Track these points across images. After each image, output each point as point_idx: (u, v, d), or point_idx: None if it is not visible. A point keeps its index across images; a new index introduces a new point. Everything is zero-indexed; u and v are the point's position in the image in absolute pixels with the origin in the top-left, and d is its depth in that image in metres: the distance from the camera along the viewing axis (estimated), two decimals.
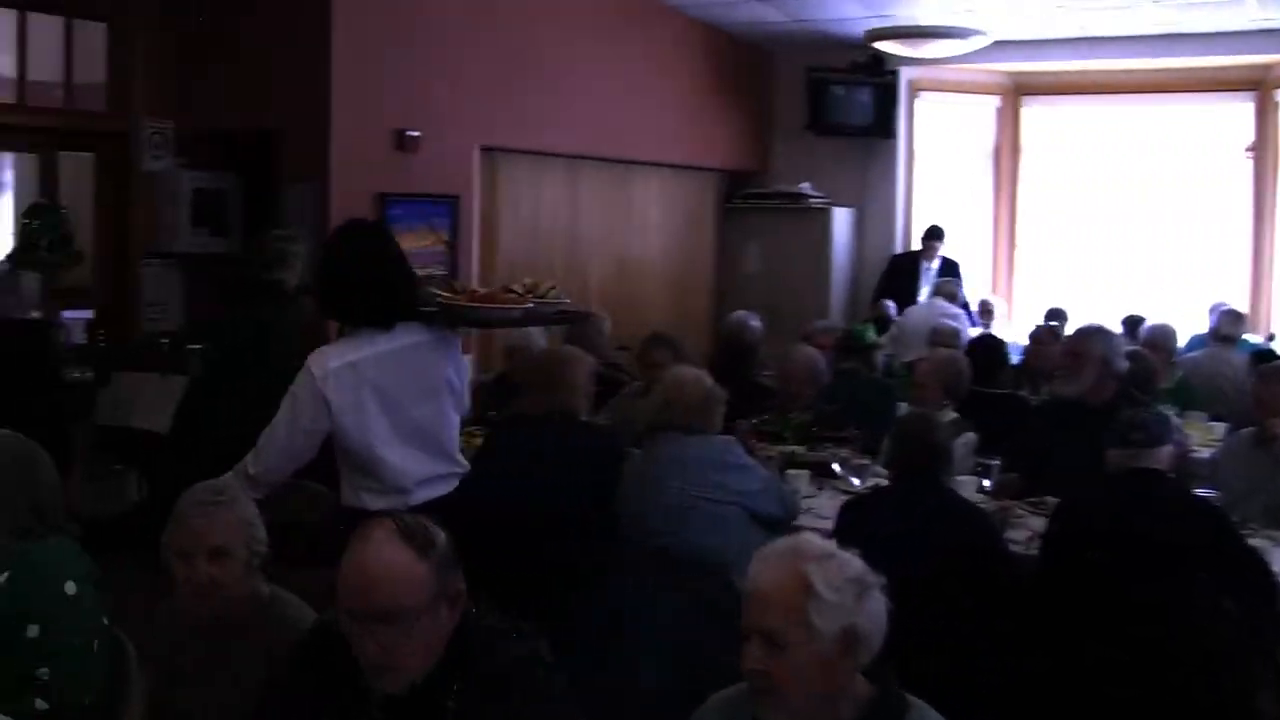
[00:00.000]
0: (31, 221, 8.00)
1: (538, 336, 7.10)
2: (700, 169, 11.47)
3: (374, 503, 4.33)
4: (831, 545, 2.61)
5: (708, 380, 4.91)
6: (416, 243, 8.45)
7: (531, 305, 4.70)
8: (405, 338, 4.39)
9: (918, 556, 4.12)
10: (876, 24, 10.53)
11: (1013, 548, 4.64)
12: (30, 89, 8.17)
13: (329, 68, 7.89)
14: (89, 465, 7.82)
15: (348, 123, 7.98)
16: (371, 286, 4.37)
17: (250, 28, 8.33)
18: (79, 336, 8.48)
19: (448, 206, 8.72)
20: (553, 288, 4.80)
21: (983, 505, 4.87)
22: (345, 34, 7.95)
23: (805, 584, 2.49)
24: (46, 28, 8.19)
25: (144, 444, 7.56)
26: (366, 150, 8.12)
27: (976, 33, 10.38)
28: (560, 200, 10.08)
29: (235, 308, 6.94)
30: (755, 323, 8.84)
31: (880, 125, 11.59)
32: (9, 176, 9.27)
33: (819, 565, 2.51)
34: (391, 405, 4.36)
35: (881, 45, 10.87)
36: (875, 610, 2.55)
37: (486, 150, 9.15)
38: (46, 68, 8.26)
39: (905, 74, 11.61)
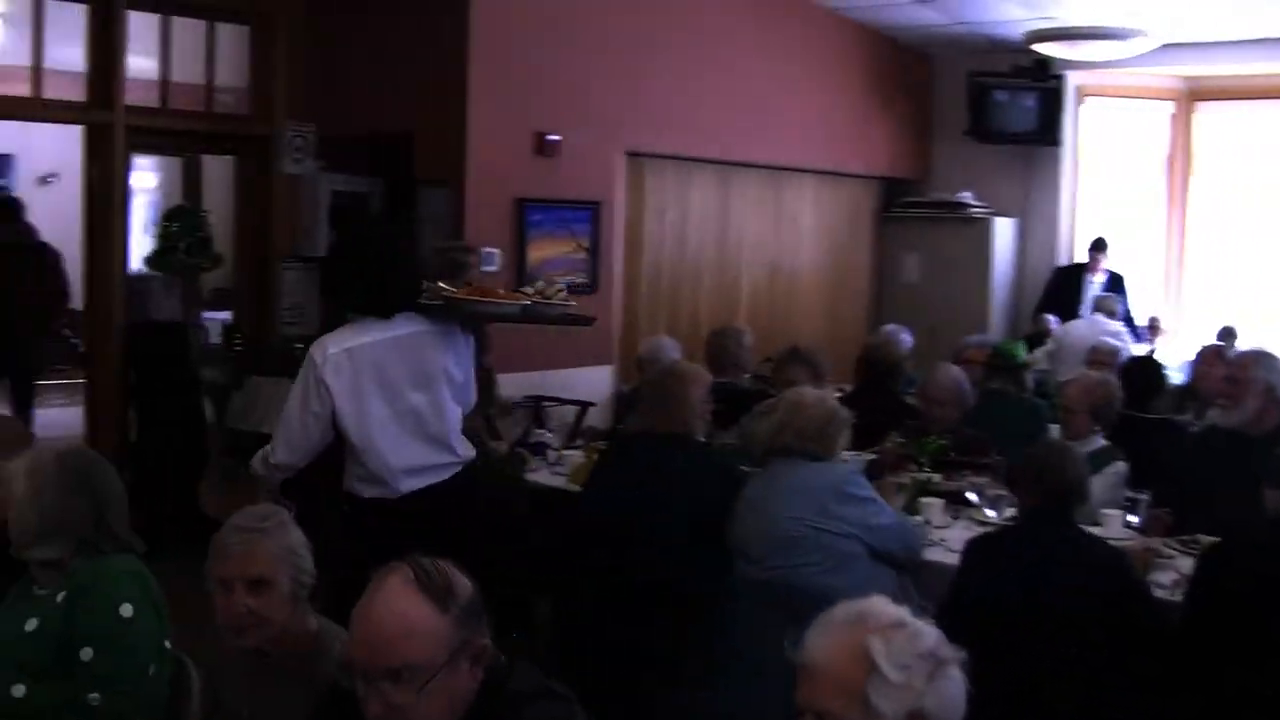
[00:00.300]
0: (171, 224, 8.03)
1: (669, 349, 6.83)
2: (857, 176, 11.08)
3: (364, 490, 4.49)
4: (904, 613, 2.26)
5: (830, 402, 4.57)
6: (556, 249, 8.27)
7: (529, 303, 4.63)
8: (405, 327, 4.47)
9: (1046, 599, 3.83)
10: (1038, 25, 10.04)
11: (1157, 591, 4.20)
12: (173, 91, 8.17)
13: (465, 69, 7.74)
14: (222, 469, 7.78)
15: (485, 126, 7.81)
16: (372, 276, 4.45)
17: (390, 29, 8.24)
18: (217, 339, 8.49)
19: (589, 213, 8.50)
20: (560, 290, 4.77)
21: (1125, 544, 4.44)
22: (483, 35, 7.80)
23: (866, 659, 2.16)
24: (189, 31, 8.18)
25: None
26: (504, 154, 7.95)
27: (1138, 34, 9.81)
28: (709, 207, 9.80)
29: None
30: (905, 336, 8.45)
31: (1044, 132, 11.05)
32: (155, 179, 9.34)
33: (884, 637, 2.18)
34: (388, 391, 4.44)
35: (1041, 47, 10.34)
36: (950, 693, 2.19)
37: (632, 155, 8.92)
38: (189, 70, 8.25)
39: (1071, 79, 11.06)
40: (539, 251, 8.16)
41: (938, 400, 5.89)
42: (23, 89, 7.62)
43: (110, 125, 7.69)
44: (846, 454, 4.92)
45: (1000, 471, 5.29)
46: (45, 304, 9.18)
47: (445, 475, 4.57)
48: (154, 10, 7.95)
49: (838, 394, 7.83)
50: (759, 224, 10.24)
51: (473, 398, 4.80)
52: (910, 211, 11.33)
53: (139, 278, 8.24)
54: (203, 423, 7.99)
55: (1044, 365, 8.99)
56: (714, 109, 9.30)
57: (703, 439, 4.92)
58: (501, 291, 4.89)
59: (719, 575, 4.42)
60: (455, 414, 4.64)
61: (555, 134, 8.16)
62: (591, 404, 8.16)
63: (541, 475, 6.13)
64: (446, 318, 4.54)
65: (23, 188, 15.00)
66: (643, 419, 4.97)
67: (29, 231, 9.43)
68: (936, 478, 5.31)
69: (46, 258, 9.18)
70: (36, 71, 7.56)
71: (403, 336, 4.45)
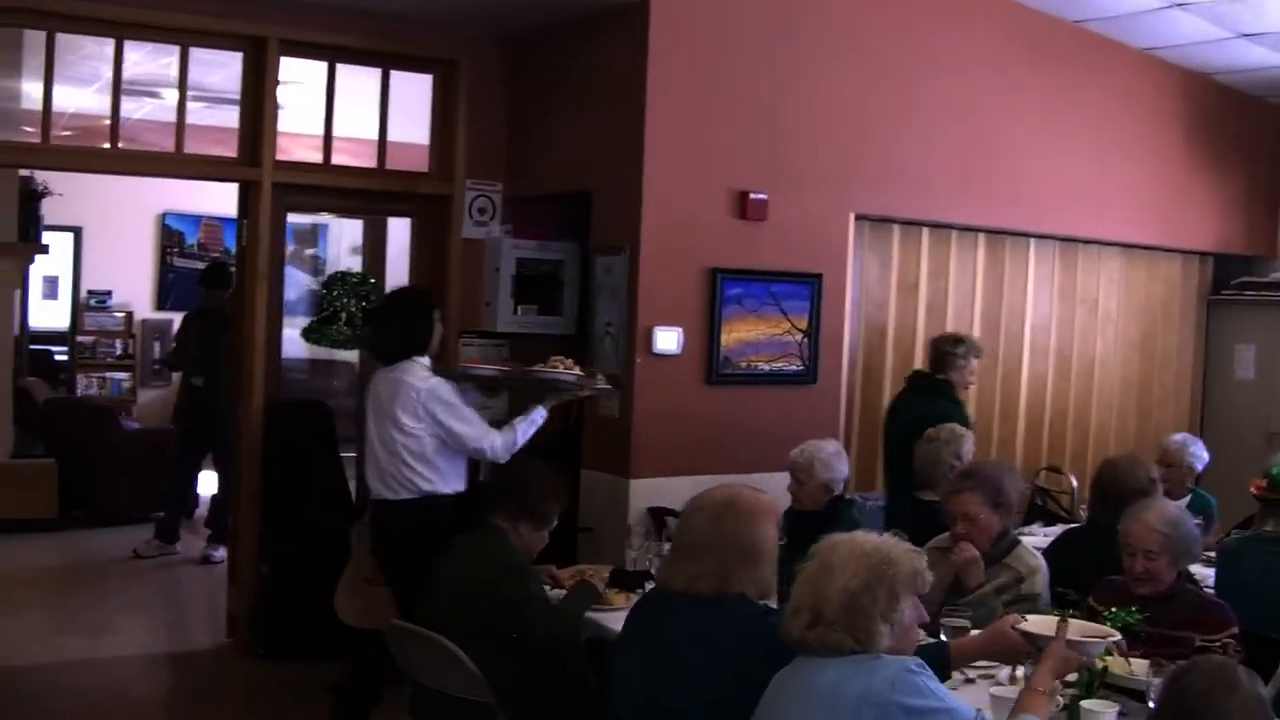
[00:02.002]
0: (331, 291, 7.14)
1: (828, 461, 5.42)
2: (1176, 251, 9.24)
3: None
4: None
5: (873, 559, 3.07)
6: (760, 329, 6.95)
7: (510, 369, 6.32)
8: (396, 373, 5.66)
9: None
10: None
11: None
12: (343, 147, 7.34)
13: (642, 115, 6.53)
14: (359, 570, 6.73)
15: (666, 181, 6.58)
16: (380, 330, 5.99)
17: (579, 72, 7.14)
18: None
19: (808, 287, 7.11)
20: (573, 365, 5.96)
21: None
22: (663, 75, 6.60)
23: None
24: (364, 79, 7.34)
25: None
26: (693, 215, 6.69)
27: None
28: (975, 284, 8.23)
29: None
30: (1198, 451, 6.71)
31: None
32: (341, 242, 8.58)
33: None
34: (373, 416, 5.73)
35: None
36: None
37: (865, 219, 7.50)
38: (364, 124, 7.40)
39: None
40: (737, 331, 6.83)
41: (1144, 549, 4.22)
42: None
43: (258, 183, 6.88)
44: None
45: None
46: None
47: (390, 497, 5.69)
48: (316, 58, 7.12)
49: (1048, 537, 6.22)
50: (1043, 305, 8.57)
51: (427, 450, 5.60)
52: (1246, 294, 9.38)
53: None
54: (347, 515, 7.03)
55: None
56: (980, 165, 7.76)
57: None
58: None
59: None
60: (402, 456, 5.60)
61: (761, 192, 6.84)
62: None
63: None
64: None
65: (335, 256, 14.95)
66: (692, 567, 3.57)
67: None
68: (1122, 663, 3.67)
69: None
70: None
71: (390, 378, 5.66)
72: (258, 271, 6.90)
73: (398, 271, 8.35)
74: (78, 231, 15.06)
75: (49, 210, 12.94)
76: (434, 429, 5.55)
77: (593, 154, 6.93)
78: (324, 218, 14.59)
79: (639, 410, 6.56)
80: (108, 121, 6.80)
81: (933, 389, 6.96)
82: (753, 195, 6.81)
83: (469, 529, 4.85)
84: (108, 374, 14.91)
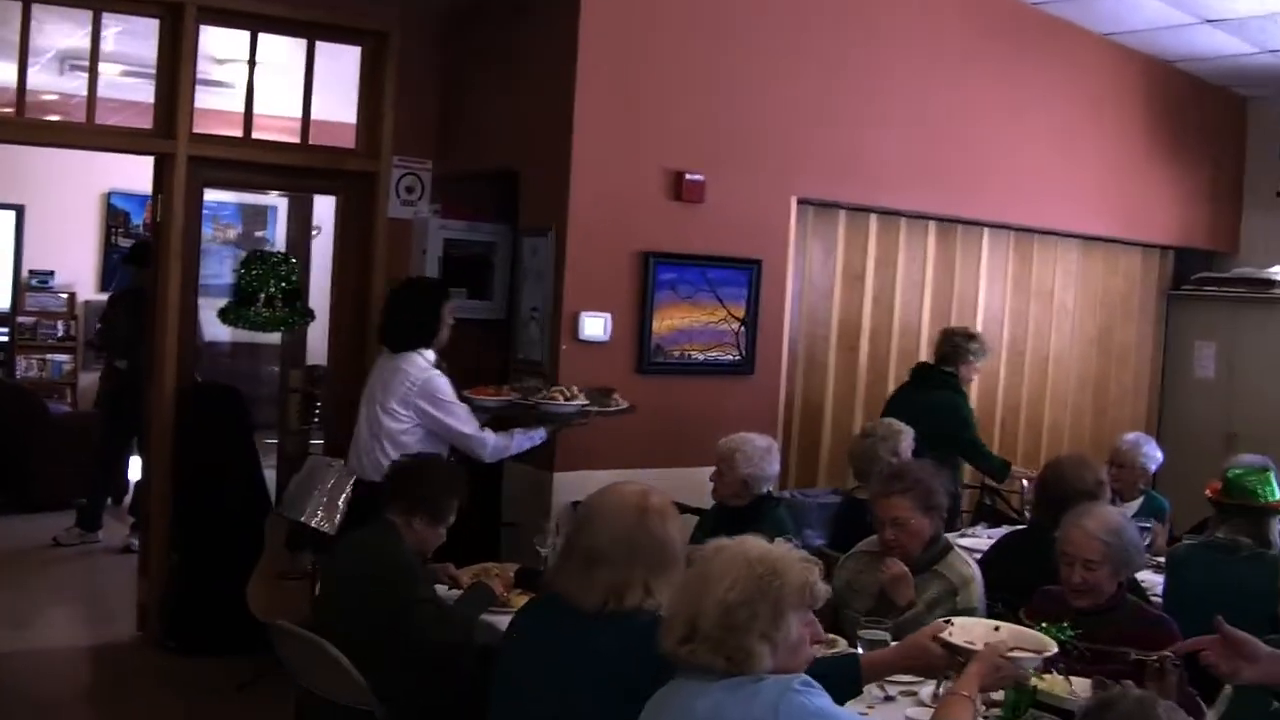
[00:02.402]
0: (249, 271, 6.80)
1: (751, 455, 5.13)
2: (1135, 244, 8.97)
3: None
4: None
5: (756, 570, 2.76)
6: (694, 316, 6.65)
7: (513, 398, 5.91)
8: (397, 360, 5.72)
9: None
10: None
11: None
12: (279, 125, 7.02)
13: (571, 89, 6.21)
14: (274, 563, 6.43)
15: (595, 160, 6.26)
16: (389, 318, 5.90)
17: (506, 48, 6.84)
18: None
19: (746, 273, 6.81)
20: (576, 394, 5.87)
21: None
22: (594, 45, 6.27)
23: None
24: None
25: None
26: (623, 196, 6.38)
27: None
28: (925, 274, 7.94)
29: None
30: (1151, 450, 6.43)
31: None
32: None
33: None
34: (366, 398, 5.82)
35: None
36: None
37: (807, 203, 7.19)
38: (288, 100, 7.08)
39: None
40: (669, 319, 6.53)
41: (1084, 559, 3.93)
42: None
43: (172, 156, 6.54)
44: None
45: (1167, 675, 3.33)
46: None
47: (366, 479, 5.70)
48: (238, 26, 6.79)
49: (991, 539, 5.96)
50: (996, 297, 8.29)
51: (456, 442, 5.68)
52: (1207, 290, 9.12)
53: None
54: (262, 506, 6.72)
55: None
56: (931, 149, 7.46)
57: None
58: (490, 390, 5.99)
59: None
60: (380, 438, 5.65)
61: (697, 173, 6.53)
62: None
63: None
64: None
65: (283, 240, 14.56)
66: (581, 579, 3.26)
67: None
68: (1050, 679, 3.37)
69: None
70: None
71: (388, 365, 5.74)
72: (171, 249, 6.56)
73: (324, 252, 8.01)
74: (19, 210, 14.67)
75: None
76: (423, 420, 5.61)
77: (522, 131, 6.62)
78: (272, 198, 14.26)
79: None
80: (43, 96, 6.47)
81: (938, 381, 6.85)
82: (689, 176, 6.51)
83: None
84: (49, 356, 14.52)
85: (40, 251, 14.51)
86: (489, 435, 5.68)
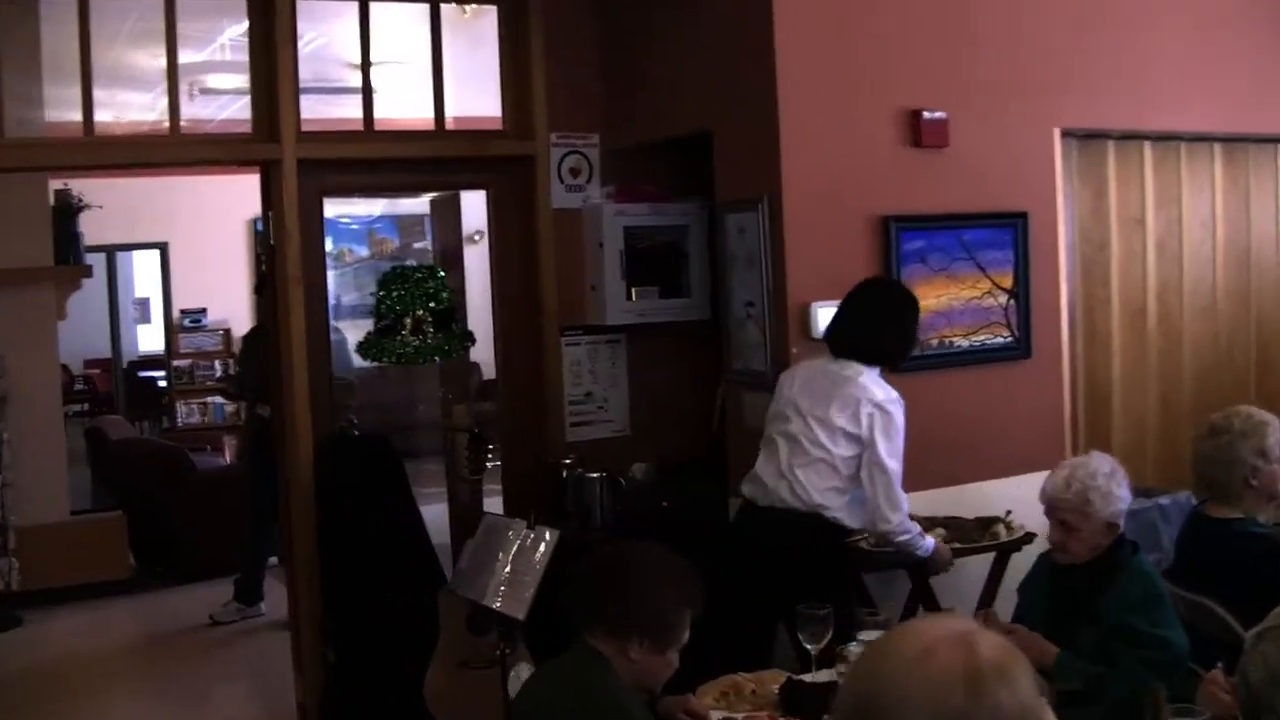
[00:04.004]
0: (388, 293, 5.58)
1: (1105, 490, 3.64)
2: None
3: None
4: None
5: None
6: (953, 293, 5.21)
7: None
8: (841, 368, 4.40)
9: None
10: None
11: None
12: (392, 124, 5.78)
13: (771, 22, 4.80)
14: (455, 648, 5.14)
15: (811, 104, 4.85)
16: (854, 321, 4.46)
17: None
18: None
19: (1010, 231, 5.34)
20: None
21: None
22: None
23: None
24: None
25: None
26: (851, 148, 4.96)
27: None
28: (1213, 210, 6.33)
29: None
30: None
31: None
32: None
33: None
34: (786, 405, 4.50)
35: None
36: None
37: (1069, 136, 5.67)
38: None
39: None
40: (923, 299, 5.06)
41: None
42: None
43: (278, 162, 5.30)
44: None
45: None
46: None
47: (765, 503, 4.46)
48: None
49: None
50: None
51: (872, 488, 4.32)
52: None
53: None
54: (432, 579, 5.45)
55: None
56: (1208, 52, 5.89)
57: None
58: None
59: None
60: (808, 451, 4.36)
61: (938, 110, 5.08)
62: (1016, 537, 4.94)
63: None
64: None
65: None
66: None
67: None
68: None
69: None
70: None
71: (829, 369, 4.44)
72: (289, 274, 5.33)
73: (478, 261, 6.75)
74: (163, 248, 13.88)
75: (128, 227, 11.82)
76: (860, 449, 4.33)
77: (711, 83, 5.22)
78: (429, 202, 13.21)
79: None
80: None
81: None
82: (927, 115, 5.06)
83: None
84: (209, 399, 13.68)
85: (190, 289, 13.77)
86: (907, 513, 4.38)
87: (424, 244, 14.08)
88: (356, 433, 5.84)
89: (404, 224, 14.59)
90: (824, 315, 4.79)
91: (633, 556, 3.10)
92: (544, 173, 5.77)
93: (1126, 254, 6.02)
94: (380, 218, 14.52)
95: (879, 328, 4.44)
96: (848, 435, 4.32)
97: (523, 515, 4.93)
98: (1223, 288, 6.28)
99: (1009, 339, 5.33)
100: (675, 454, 5.97)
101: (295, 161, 5.27)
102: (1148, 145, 6.05)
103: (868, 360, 4.39)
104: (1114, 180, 5.96)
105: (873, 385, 4.34)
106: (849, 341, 4.42)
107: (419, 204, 12.84)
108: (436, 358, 5.77)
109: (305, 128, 5.36)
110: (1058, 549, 3.64)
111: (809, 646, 3.42)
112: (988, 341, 5.28)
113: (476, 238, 12.50)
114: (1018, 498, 5.06)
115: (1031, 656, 1.99)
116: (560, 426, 5.85)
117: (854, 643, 3.38)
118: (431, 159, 5.68)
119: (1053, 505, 3.61)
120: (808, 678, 3.39)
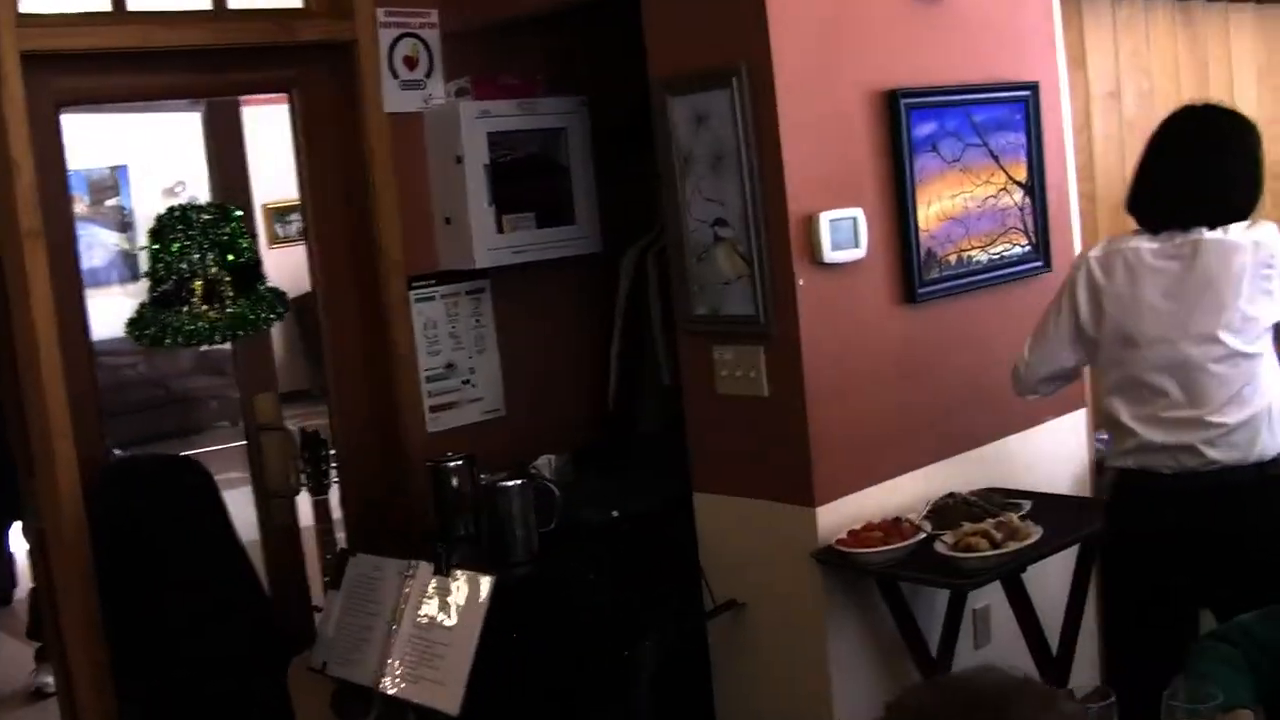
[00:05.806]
0: (166, 247, 3.89)
1: None
2: None
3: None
4: None
5: None
6: (964, 191, 3.83)
7: None
8: (1218, 237, 3.12)
9: None
10: None
11: None
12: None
13: None
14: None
15: None
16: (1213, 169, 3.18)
17: None
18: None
19: (1020, 108, 4.01)
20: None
21: None
22: None
23: None
24: None
25: None
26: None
27: None
28: (1178, 84, 5.19)
29: None
30: None
31: None
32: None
33: None
34: (1153, 321, 3.18)
35: None
36: None
37: None
38: None
39: None
40: (937, 201, 3.72)
41: None
42: None
43: None
44: None
45: None
46: None
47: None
48: None
49: None
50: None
51: None
52: None
53: None
54: (275, 655, 3.80)
55: None
56: None
57: None
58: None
59: None
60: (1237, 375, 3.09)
61: None
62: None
63: None
64: None
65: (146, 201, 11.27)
66: None
67: None
68: None
69: None
70: None
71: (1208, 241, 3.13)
72: (21, 227, 3.54)
73: (269, 186, 5.02)
74: None
75: None
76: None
77: None
78: (120, 154, 11.16)
79: (813, 379, 3.43)
80: None
81: None
82: None
83: None
84: None
85: None
86: None
87: (115, 200, 12.00)
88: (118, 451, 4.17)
89: (90, 182, 12.44)
90: (837, 229, 3.37)
91: (999, 677, 1.58)
92: (371, 64, 4.12)
93: (1104, 136, 4.81)
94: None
95: (1238, 170, 3.20)
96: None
97: (412, 552, 3.42)
98: None
99: (1027, 247, 4.02)
100: (571, 438, 4.48)
101: (18, 56, 3.48)
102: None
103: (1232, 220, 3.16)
104: (1092, 48, 4.73)
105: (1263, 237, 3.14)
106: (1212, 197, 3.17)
107: (103, 157, 10.93)
108: (241, 332, 4.07)
109: (28, 6, 3.60)
110: None
111: None
112: (1006, 253, 3.96)
113: (178, 190, 10.61)
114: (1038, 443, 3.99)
115: None
116: (418, 414, 4.26)
117: None
118: (212, 48, 3.93)
119: None
120: None
